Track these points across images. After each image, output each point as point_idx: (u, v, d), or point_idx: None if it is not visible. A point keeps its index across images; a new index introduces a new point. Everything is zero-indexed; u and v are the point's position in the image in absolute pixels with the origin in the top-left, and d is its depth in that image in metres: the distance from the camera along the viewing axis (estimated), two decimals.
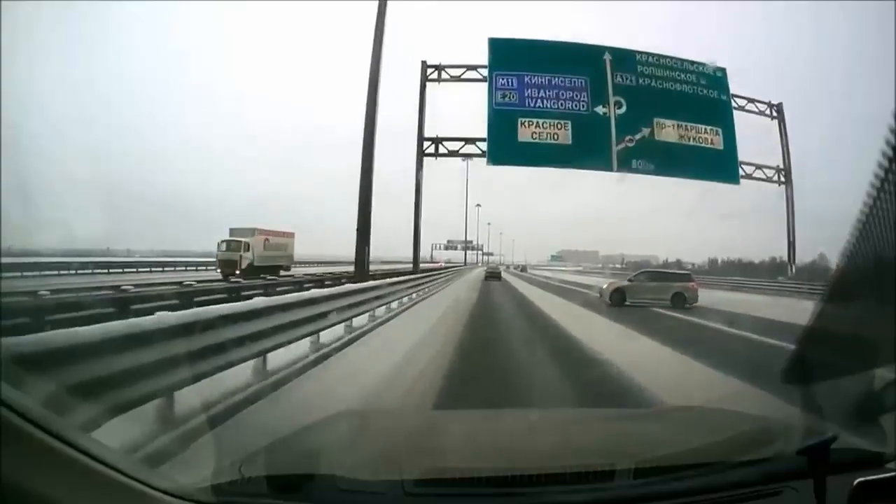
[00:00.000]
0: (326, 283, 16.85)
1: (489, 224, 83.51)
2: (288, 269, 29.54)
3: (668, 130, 21.87)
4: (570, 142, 21.41)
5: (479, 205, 70.93)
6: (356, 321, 8.15)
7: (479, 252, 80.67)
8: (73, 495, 0.94)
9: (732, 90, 23.20)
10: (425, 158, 22.83)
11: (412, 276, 16.66)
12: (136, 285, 11.97)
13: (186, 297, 10.01)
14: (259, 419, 3.74)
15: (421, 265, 24.41)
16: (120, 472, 1.03)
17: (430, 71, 23.71)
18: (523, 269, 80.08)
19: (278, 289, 15.01)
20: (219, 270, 25.37)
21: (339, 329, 7.27)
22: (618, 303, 15.37)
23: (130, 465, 1.08)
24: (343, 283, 11.15)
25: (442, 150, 23.06)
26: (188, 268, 29.42)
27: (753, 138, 23.92)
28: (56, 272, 19.00)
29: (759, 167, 23.86)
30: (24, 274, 16.78)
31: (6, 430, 0.83)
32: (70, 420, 1.64)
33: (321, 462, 1.44)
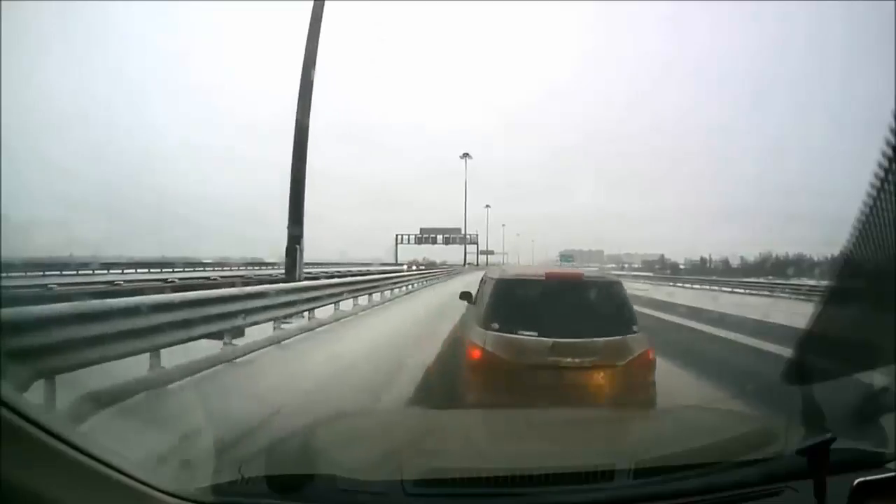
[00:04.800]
0: None
1: (488, 207, 63.36)
2: None
3: None
4: None
5: (467, 154, 50.14)
6: None
7: (469, 247, 56.48)
8: (74, 495, 0.94)
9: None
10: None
11: None
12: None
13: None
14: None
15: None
16: (120, 472, 1.03)
17: None
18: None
19: None
20: None
21: None
22: None
23: (130, 465, 1.08)
24: None
25: None
26: (163, 269, 28.95)
27: None
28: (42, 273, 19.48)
29: None
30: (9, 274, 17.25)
31: (6, 429, 0.83)
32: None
33: (321, 462, 1.44)
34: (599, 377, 3.35)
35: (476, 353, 3.47)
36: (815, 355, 1.45)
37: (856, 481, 1.18)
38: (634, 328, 3.57)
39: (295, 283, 8.67)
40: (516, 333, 3.42)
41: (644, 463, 1.33)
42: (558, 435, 1.97)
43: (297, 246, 9.88)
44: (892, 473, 1.24)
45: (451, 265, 49.81)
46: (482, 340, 3.47)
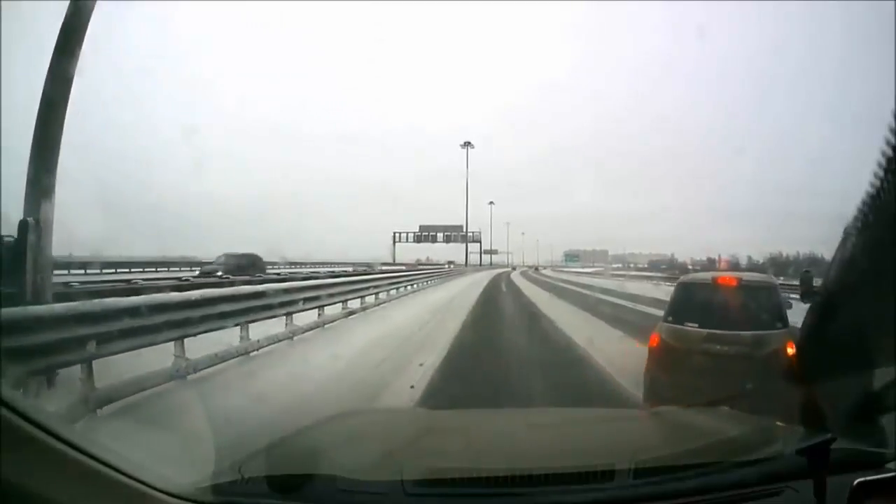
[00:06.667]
0: None
1: (492, 204, 62.83)
2: None
3: None
4: None
5: (469, 143, 49.31)
6: None
7: (472, 246, 53.96)
8: (74, 495, 0.94)
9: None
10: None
11: None
12: None
13: None
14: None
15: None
16: (120, 473, 1.03)
17: None
18: (536, 269, 76.61)
19: None
20: None
21: None
22: None
23: (131, 465, 1.08)
24: None
25: None
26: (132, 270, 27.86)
27: None
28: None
29: None
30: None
31: (6, 430, 0.84)
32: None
33: (321, 462, 1.44)
34: (742, 364, 3.80)
35: (654, 339, 4.53)
36: (815, 355, 1.45)
37: (856, 481, 1.18)
38: (779, 325, 4.06)
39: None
40: (683, 325, 4.33)
41: (644, 463, 1.33)
42: (558, 435, 1.97)
43: (32, 220, 4.67)
44: (892, 473, 1.24)
45: (437, 265, 44.79)
46: (660, 329, 4.54)
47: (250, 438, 1.87)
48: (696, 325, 4.24)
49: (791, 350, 3.61)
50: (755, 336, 4.04)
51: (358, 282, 12.55)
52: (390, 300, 15.16)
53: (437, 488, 1.33)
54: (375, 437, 1.87)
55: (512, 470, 1.37)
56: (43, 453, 0.89)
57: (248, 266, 20.66)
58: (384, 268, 30.06)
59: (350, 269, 27.55)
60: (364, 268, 28.73)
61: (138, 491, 1.07)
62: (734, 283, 4.51)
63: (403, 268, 34.35)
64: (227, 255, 21.82)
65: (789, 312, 4.29)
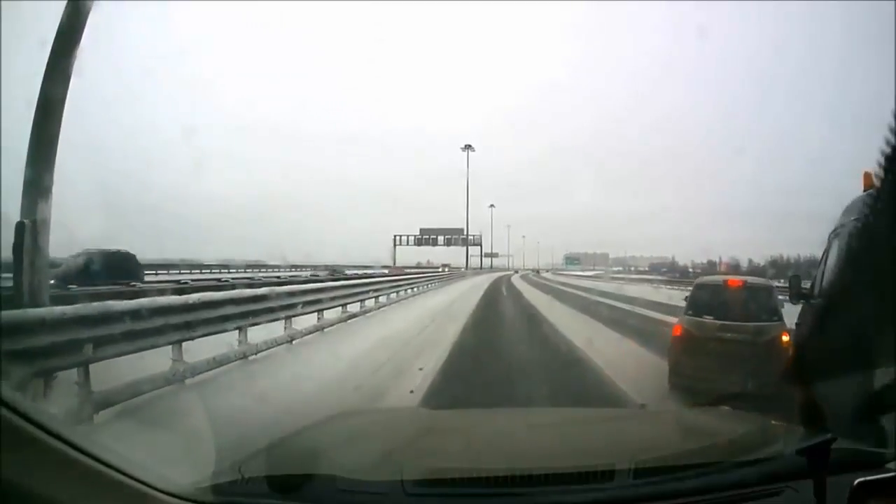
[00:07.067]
0: None
1: (492, 207, 63.18)
2: None
3: None
4: None
5: (469, 146, 49.82)
6: None
7: (473, 249, 54.17)
8: (74, 495, 0.94)
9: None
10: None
11: None
12: None
13: None
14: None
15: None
16: (120, 473, 1.03)
17: None
18: (537, 272, 76.86)
19: None
20: None
21: None
22: None
23: (130, 465, 1.08)
24: None
25: None
26: None
27: None
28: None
29: None
30: None
31: (6, 430, 0.83)
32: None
33: (321, 462, 1.43)
34: (747, 348, 4.83)
35: (677, 329, 5.57)
36: (815, 355, 1.45)
37: (856, 481, 1.18)
38: (776, 318, 5.10)
39: None
40: (701, 317, 5.42)
41: (644, 463, 1.32)
42: (558, 435, 1.97)
43: (28, 222, 4.60)
44: (892, 473, 1.24)
45: (433, 268, 44.47)
46: (681, 321, 5.63)
47: (250, 440, 1.90)
48: (711, 317, 5.31)
49: (785, 338, 4.80)
50: (757, 327, 5.07)
51: (356, 285, 12.46)
52: (390, 304, 15.10)
53: (437, 488, 1.33)
54: (375, 437, 1.87)
55: (512, 470, 1.37)
56: (44, 454, 0.89)
57: (106, 271, 12.92)
58: (360, 272, 25.89)
59: (308, 273, 23.25)
60: (327, 272, 23.74)
61: (139, 491, 1.07)
62: (740, 285, 5.74)
63: (385, 272, 32.67)
64: (86, 254, 13.79)
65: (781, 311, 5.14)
